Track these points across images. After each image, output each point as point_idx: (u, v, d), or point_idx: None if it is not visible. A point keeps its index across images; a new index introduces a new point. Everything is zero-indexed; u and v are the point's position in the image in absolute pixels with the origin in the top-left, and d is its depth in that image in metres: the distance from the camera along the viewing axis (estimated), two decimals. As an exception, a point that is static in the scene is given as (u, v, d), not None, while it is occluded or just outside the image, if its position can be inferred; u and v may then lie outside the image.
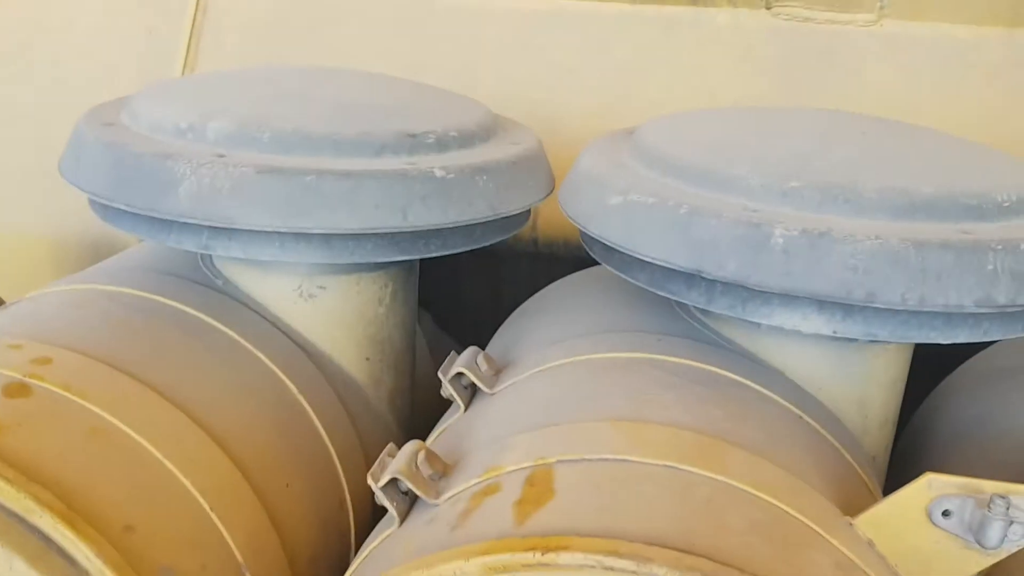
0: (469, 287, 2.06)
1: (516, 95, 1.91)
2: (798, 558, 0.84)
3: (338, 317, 1.34)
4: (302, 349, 1.31)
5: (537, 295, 1.56)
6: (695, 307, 1.27)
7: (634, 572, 0.76)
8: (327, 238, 1.16)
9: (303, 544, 1.14)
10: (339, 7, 1.96)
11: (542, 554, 0.78)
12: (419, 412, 1.52)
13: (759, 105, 1.72)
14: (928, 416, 1.49)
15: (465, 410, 1.20)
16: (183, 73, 1.89)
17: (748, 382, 1.14)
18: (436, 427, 1.25)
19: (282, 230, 1.12)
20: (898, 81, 1.81)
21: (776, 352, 1.20)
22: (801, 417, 1.13)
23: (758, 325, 1.19)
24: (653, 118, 1.36)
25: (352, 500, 1.28)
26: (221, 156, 1.14)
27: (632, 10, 1.90)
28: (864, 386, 1.22)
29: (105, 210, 1.25)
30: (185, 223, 1.14)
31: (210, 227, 1.14)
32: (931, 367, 1.55)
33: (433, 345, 1.79)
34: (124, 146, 1.18)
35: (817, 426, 1.14)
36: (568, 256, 1.81)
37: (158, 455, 1.01)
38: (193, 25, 1.95)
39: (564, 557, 0.77)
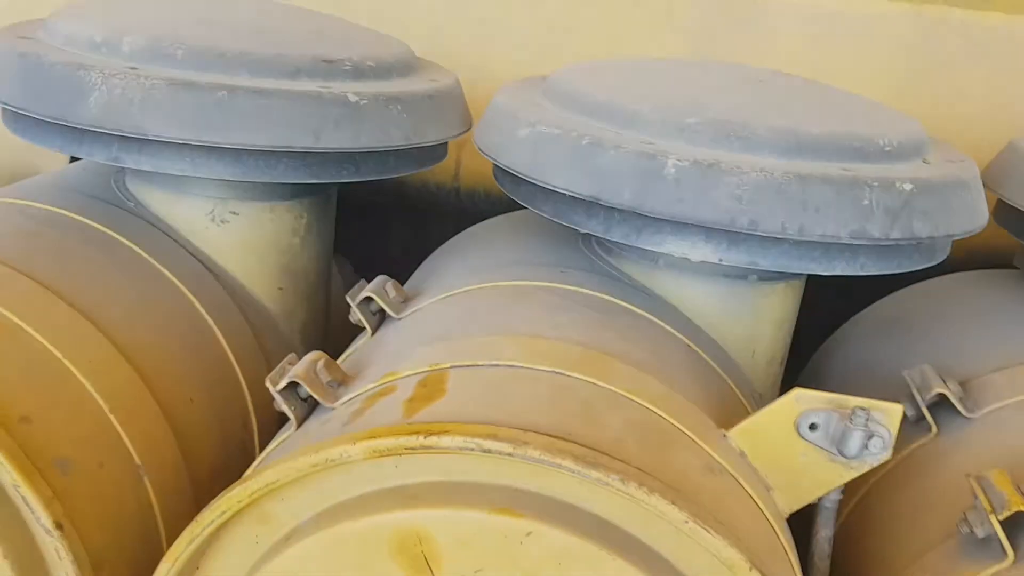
0: (395, 243, 2.08)
1: (446, 46, 1.94)
2: (668, 456, 0.90)
3: (251, 244, 1.36)
4: (213, 274, 1.33)
5: (455, 237, 1.60)
6: (597, 243, 1.32)
7: (510, 453, 0.80)
8: (237, 154, 1.17)
9: (205, 456, 1.16)
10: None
11: (424, 437, 0.82)
12: (335, 354, 1.54)
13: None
14: (822, 360, 1.57)
15: (372, 335, 1.24)
16: None
17: (641, 312, 1.19)
18: (344, 353, 1.29)
19: (192, 143, 1.13)
20: (809, 50, 1.88)
21: (671, 288, 1.26)
22: (689, 346, 1.19)
23: (655, 261, 1.25)
24: (567, 65, 1.40)
25: (258, 422, 1.30)
26: (134, 68, 1.14)
27: (561, -31, 1.94)
28: (753, 324, 1.28)
29: (17, 120, 1.24)
30: (96, 133, 1.15)
31: (120, 137, 1.15)
32: (831, 315, 1.64)
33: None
34: (37, 56, 1.18)
35: (704, 356, 1.20)
36: (490, 212, 1.85)
37: (58, 355, 1.02)
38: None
39: (445, 440, 0.81)
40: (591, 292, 1.20)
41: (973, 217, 1.15)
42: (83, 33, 1.23)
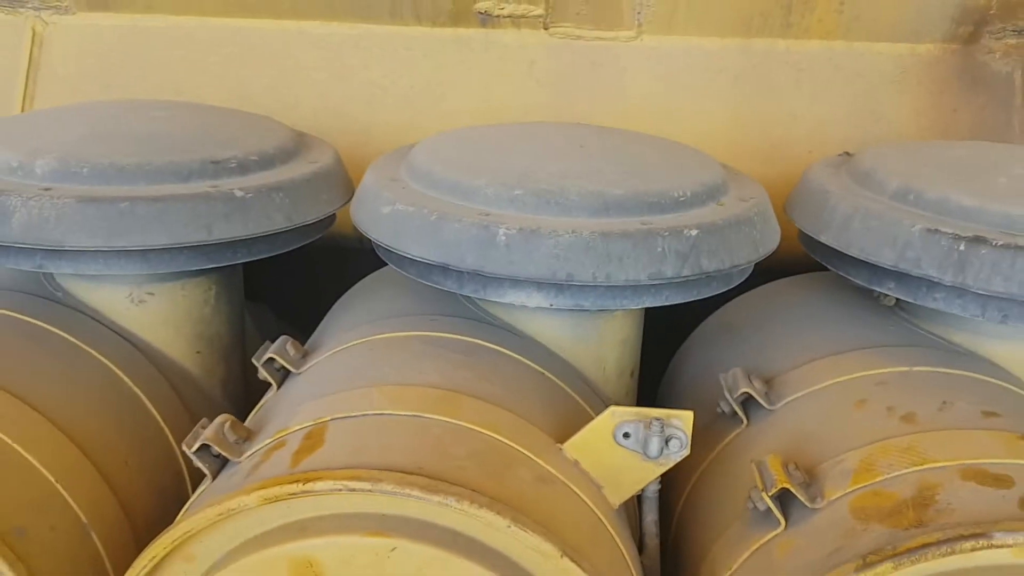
0: (320, 284, 2.29)
1: (334, 110, 2.16)
2: (505, 473, 1.14)
3: (167, 318, 1.57)
4: (136, 348, 1.54)
5: (350, 290, 1.82)
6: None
7: (370, 490, 1.04)
8: (144, 253, 1.39)
9: (143, 510, 1.37)
10: (169, 40, 2.16)
11: (303, 484, 1.05)
12: (256, 400, 1.76)
13: (526, 119, 2.02)
14: (676, 365, 1.83)
15: (277, 388, 1.46)
16: (22, 107, 2.06)
17: (502, 349, 1.43)
18: (256, 406, 1.50)
19: (104, 249, 1.34)
20: (656, 86, 2.14)
21: (528, 324, 1.50)
22: (543, 373, 1.43)
23: (513, 304, 1.49)
24: (426, 138, 1.63)
25: (189, 474, 1.52)
26: (48, 189, 1.35)
27: (431, 32, 2.16)
28: (599, 346, 1.53)
29: (-51, 240, 1.44)
30: (20, 247, 1.36)
31: (42, 249, 1.36)
32: (687, 324, 1.89)
33: (273, 336, 2.03)
34: (-38, 184, 1.39)
35: (557, 380, 1.44)
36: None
37: (6, 439, 1.23)
38: (30, 60, 2.12)
39: (319, 485, 1.05)
40: (457, 336, 1.44)
41: (757, 249, 1.41)
42: (0, 159, 1.43)
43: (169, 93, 2.10)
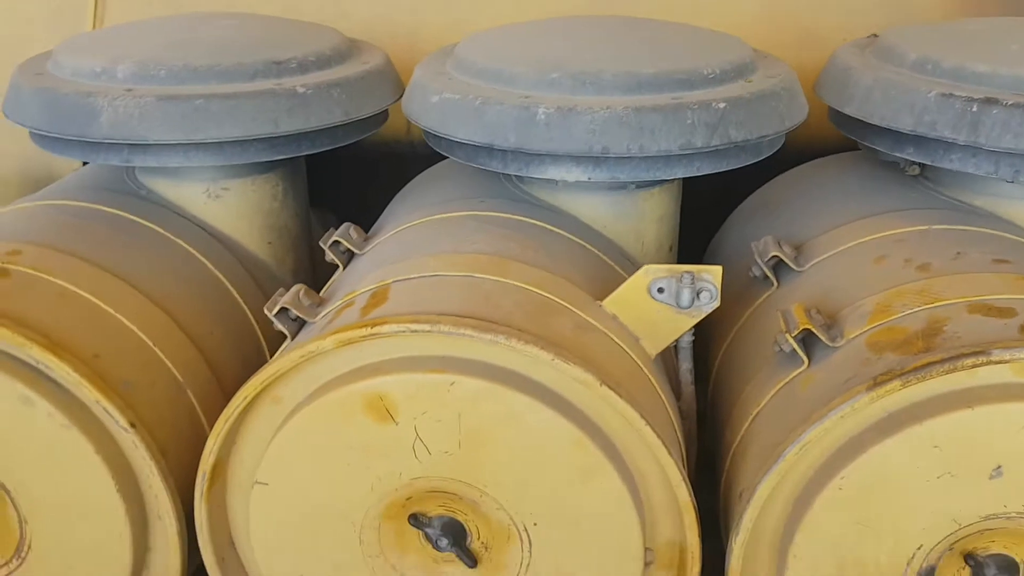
0: (377, 190, 2.43)
1: (382, 18, 2.26)
2: (548, 321, 1.27)
3: (241, 211, 1.72)
4: (214, 238, 1.69)
5: (405, 187, 1.95)
6: (510, 176, 1.67)
7: (429, 331, 1.18)
8: (219, 146, 1.53)
9: (229, 373, 1.54)
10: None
11: (371, 328, 1.19)
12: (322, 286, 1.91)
13: (562, 16, 2.10)
14: (715, 244, 1.93)
15: (343, 269, 1.61)
16: (93, 25, 2.21)
17: (544, 224, 1.56)
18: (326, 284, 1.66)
19: (183, 142, 1.49)
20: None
21: (570, 203, 1.62)
22: (583, 246, 1.55)
23: (555, 183, 1.61)
24: (468, 36, 1.74)
25: (268, 348, 1.68)
26: (129, 90, 1.50)
27: (475, -61, 2.24)
28: (638, 222, 1.64)
29: (44, 140, 1.60)
30: (109, 143, 1.51)
31: (128, 144, 1.51)
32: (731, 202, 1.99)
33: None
34: (54, 89, 1.54)
35: (596, 251, 1.56)
36: (439, 156, 2.20)
37: (110, 310, 1.39)
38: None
39: (385, 328, 1.19)
40: (504, 215, 1.56)
41: (783, 121, 1.50)
42: (85, 66, 1.57)
43: (224, 9, 2.22)
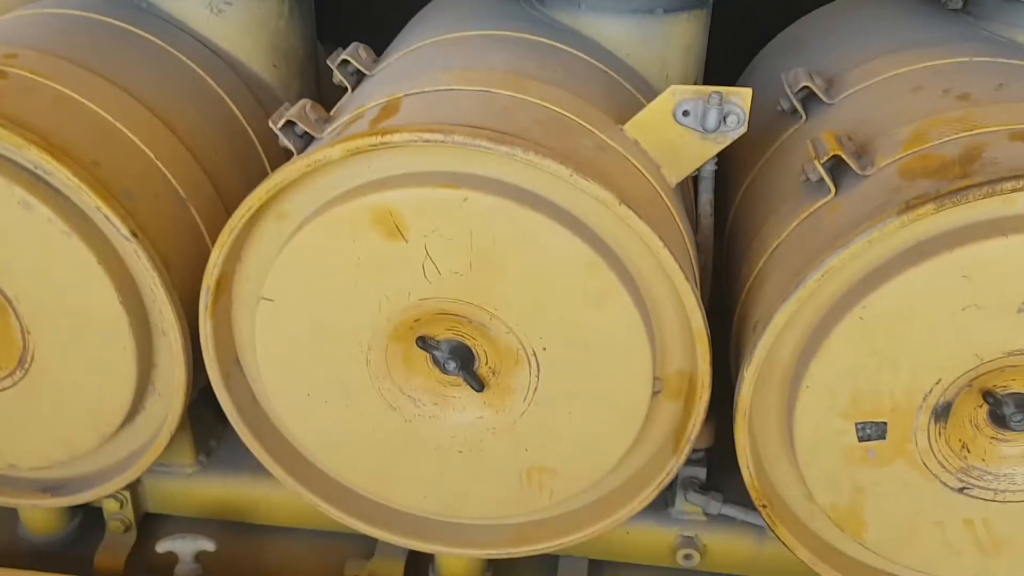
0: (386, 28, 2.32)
1: None
2: (567, 139, 1.21)
3: (245, 27, 1.64)
4: (217, 55, 1.62)
5: (423, 10, 1.85)
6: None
7: (442, 141, 1.12)
8: (221, -52, 1.44)
9: (232, 190, 1.49)
10: None
11: (381, 137, 1.14)
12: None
13: None
14: (743, 79, 1.85)
15: (351, 91, 1.53)
16: None
17: (563, 46, 1.47)
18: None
19: (183, -58, 1.40)
20: None
21: (593, 26, 1.53)
22: (604, 70, 1.47)
23: (577, 6, 1.51)
24: None
25: (271, 165, 1.62)
26: None
27: None
28: (663, 49, 1.56)
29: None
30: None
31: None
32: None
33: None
34: None
35: (618, 77, 1.48)
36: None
37: (109, 118, 1.33)
38: None
39: (396, 137, 1.13)
40: (522, 35, 1.48)
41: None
42: None
43: None
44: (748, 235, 1.41)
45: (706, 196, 1.37)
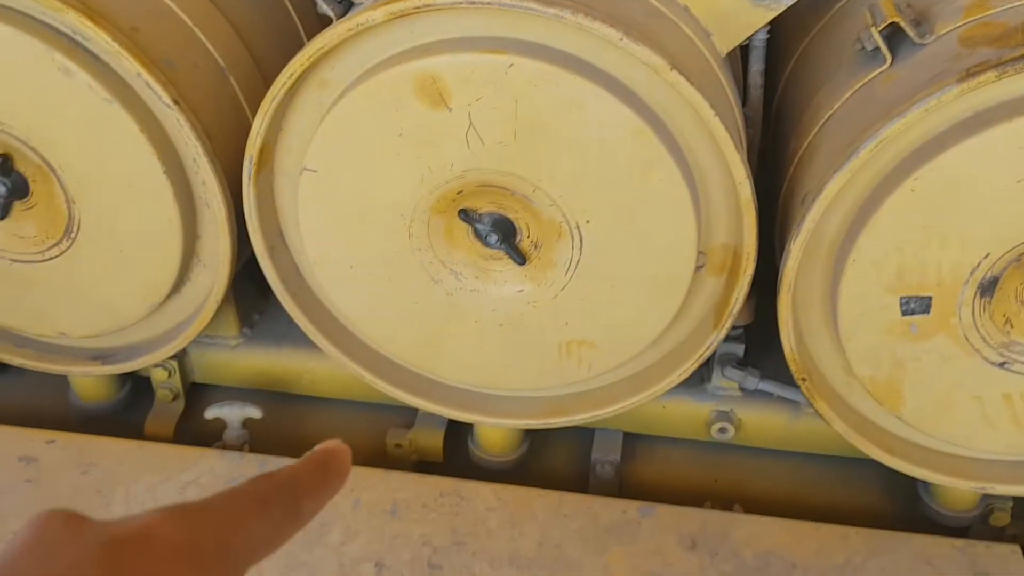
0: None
1: None
2: (616, 4, 1.17)
3: None
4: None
5: None
6: None
7: (487, 2, 1.09)
8: None
9: (272, 64, 1.46)
10: None
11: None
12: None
13: None
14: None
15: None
16: None
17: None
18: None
19: None
20: None
21: None
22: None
23: None
24: None
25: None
26: None
27: None
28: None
29: None
30: None
31: None
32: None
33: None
34: None
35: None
36: None
37: (145, -15, 1.31)
38: None
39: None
40: None
41: None
42: None
43: None
44: (798, 108, 1.38)
45: (757, 67, 1.33)
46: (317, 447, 0.48)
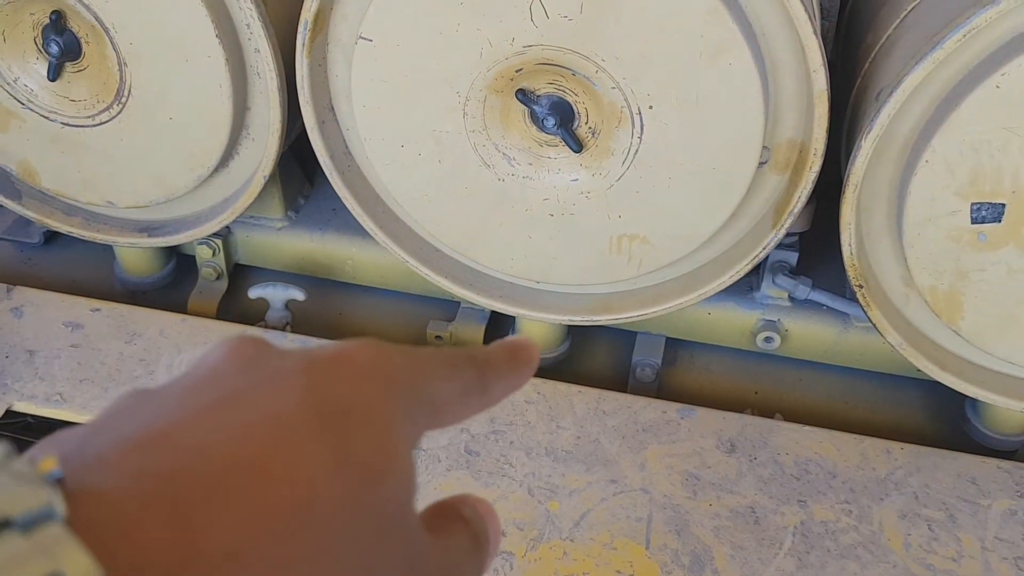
0: None
1: None
2: None
3: None
4: None
5: None
6: None
7: None
8: None
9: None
10: None
11: None
12: None
13: None
14: None
15: None
16: None
17: None
18: None
19: None
20: None
21: None
22: None
23: None
24: None
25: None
26: None
27: None
28: None
29: None
30: None
31: None
32: None
33: None
34: None
35: None
36: None
37: None
38: None
39: None
40: None
41: None
42: None
43: None
44: (876, 3, 1.31)
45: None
46: (507, 339, 0.47)
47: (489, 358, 0.44)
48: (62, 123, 1.41)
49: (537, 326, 1.56)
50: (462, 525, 0.42)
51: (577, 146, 1.26)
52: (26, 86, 1.38)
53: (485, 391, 0.43)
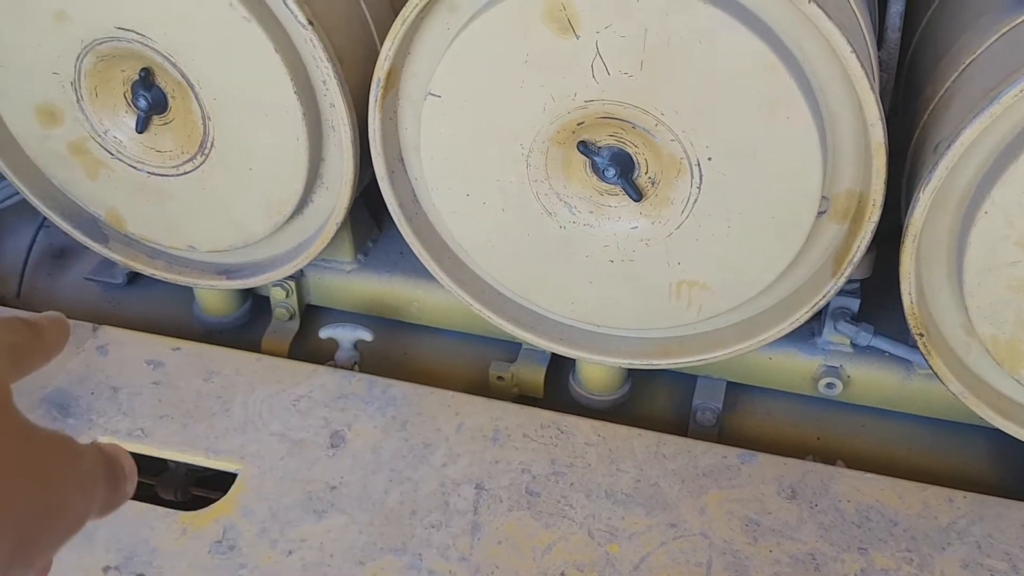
0: None
1: None
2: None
3: None
4: None
5: None
6: None
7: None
8: None
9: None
10: None
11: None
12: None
13: None
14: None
15: None
16: None
17: None
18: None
19: None
20: None
21: None
22: None
23: None
24: None
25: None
26: None
27: None
28: None
29: None
30: None
31: None
32: None
33: None
34: None
35: None
36: None
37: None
38: None
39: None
40: None
41: None
42: None
43: None
44: (936, 53, 1.33)
45: (896, 8, 1.29)
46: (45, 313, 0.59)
47: (34, 317, 0.56)
48: (148, 172, 1.49)
49: (597, 369, 1.59)
50: (95, 447, 0.55)
51: (637, 195, 1.29)
52: (115, 138, 1.47)
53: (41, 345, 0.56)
